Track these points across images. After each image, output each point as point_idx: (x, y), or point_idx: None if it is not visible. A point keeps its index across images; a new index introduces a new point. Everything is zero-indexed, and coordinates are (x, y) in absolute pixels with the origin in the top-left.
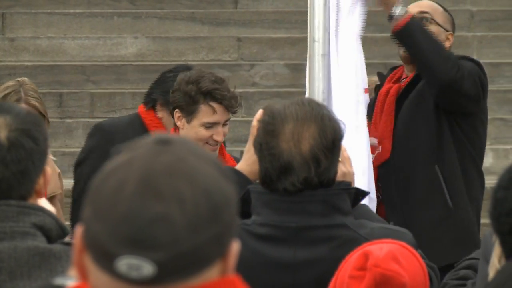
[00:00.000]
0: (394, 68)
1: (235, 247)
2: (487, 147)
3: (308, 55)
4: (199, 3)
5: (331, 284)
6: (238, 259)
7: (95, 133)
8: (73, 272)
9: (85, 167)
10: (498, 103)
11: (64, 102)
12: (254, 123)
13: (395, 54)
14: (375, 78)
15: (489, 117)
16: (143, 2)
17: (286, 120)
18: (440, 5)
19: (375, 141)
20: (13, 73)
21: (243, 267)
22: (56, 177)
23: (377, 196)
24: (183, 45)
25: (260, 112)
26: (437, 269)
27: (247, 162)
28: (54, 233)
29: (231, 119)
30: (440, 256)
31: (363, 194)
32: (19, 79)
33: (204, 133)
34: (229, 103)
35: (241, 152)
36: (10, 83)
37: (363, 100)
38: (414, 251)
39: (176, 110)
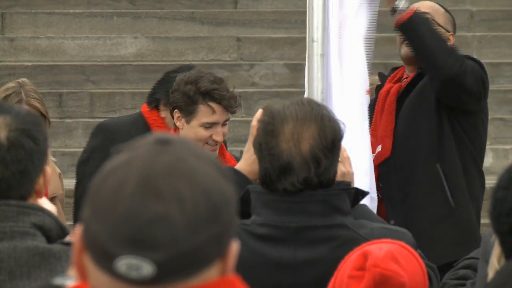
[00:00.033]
0: (395, 68)
1: (234, 247)
2: (487, 147)
3: (307, 55)
4: (198, 3)
5: (330, 284)
6: (237, 259)
7: (98, 133)
8: (72, 272)
9: (88, 167)
10: (498, 103)
11: (63, 102)
12: (254, 123)
13: (396, 54)
14: (376, 77)
15: (489, 117)
16: (142, 2)
17: (286, 120)
18: (441, 6)
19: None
20: (12, 73)
21: (242, 267)
22: (56, 178)
23: (377, 195)
24: (182, 45)
25: (259, 112)
26: (437, 269)
27: (247, 162)
28: (53, 233)
29: (231, 119)
30: (441, 254)
31: (363, 194)
32: (19, 80)
33: (204, 133)
34: (228, 103)
35: (241, 152)
36: (10, 84)
37: (365, 101)
38: (413, 251)
39: (176, 110)
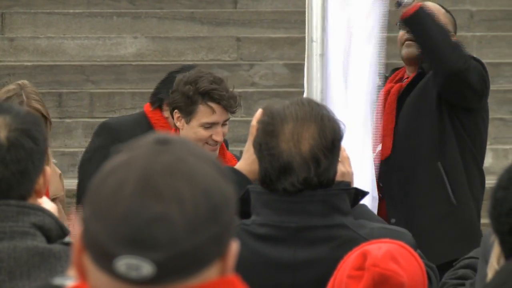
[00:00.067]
0: (396, 69)
1: (234, 247)
2: (486, 147)
3: (306, 55)
4: (198, 3)
5: (330, 283)
6: (237, 259)
7: (102, 132)
8: (72, 272)
9: (90, 167)
10: (497, 103)
11: (63, 102)
12: (254, 122)
13: (397, 55)
14: None
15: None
16: (142, 2)
17: (285, 120)
18: (442, 7)
19: None
20: (12, 73)
21: (242, 267)
22: (57, 179)
23: (378, 194)
24: (182, 45)
25: (259, 112)
26: (436, 269)
27: (247, 162)
28: (53, 233)
29: (230, 119)
30: (443, 252)
31: (363, 194)
32: (19, 82)
33: (203, 133)
34: (228, 103)
35: (241, 152)
36: (10, 86)
37: (371, 101)
38: (412, 250)
39: (175, 110)
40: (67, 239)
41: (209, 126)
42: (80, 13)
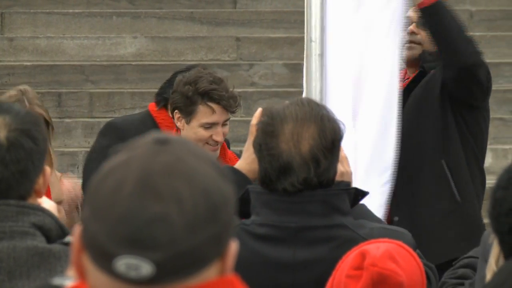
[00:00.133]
0: None
1: (233, 247)
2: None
3: (305, 55)
4: (198, 3)
5: (329, 283)
6: (237, 259)
7: (107, 132)
8: (71, 272)
9: (96, 166)
10: (497, 103)
11: (63, 102)
12: (253, 122)
13: None
14: None
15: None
16: (142, 2)
17: (285, 120)
18: None
19: None
20: (12, 73)
21: (242, 267)
22: (58, 184)
23: None
24: (182, 45)
25: (259, 111)
26: (435, 269)
27: (246, 161)
28: (53, 233)
29: (230, 119)
30: (447, 250)
31: (362, 194)
32: (20, 88)
33: (203, 133)
34: (228, 103)
35: (241, 152)
36: (12, 92)
37: (398, 95)
38: (411, 250)
39: (176, 111)
40: (67, 239)
41: (209, 126)
42: (80, 13)
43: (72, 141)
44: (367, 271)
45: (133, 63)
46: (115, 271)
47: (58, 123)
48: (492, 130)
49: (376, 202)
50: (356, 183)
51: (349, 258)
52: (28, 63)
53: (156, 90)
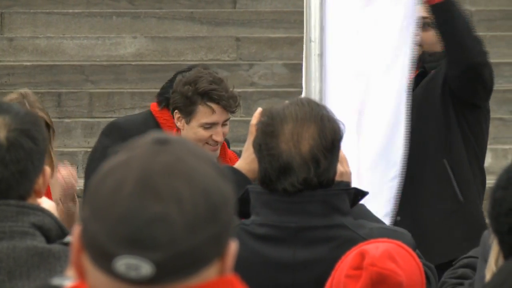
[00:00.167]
0: None
1: (233, 246)
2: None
3: (304, 55)
4: (198, 3)
5: (328, 283)
6: (237, 259)
7: (110, 132)
8: (71, 272)
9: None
10: (497, 103)
11: (62, 102)
12: (253, 122)
13: None
14: None
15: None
16: (142, 2)
17: (285, 120)
18: None
19: None
20: (11, 73)
21: (242, 267)
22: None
23: None
24: (182, 45)
25: (258, 111)
26: (435, 269)
27: (246, 161)
28: (53, 233)
29: (230, 119)
30: (450, 250)
31: (362, 194)
32: (21, 91)
33: (203, 133)
34: (227, 103)
35: (241, 152)
36: (13, 96)
37: (408, 90)
38: (410, 250)
39: (176, 111)
40: (66, 239)
41: (209, 126)
42: (80, 13)
43: (71, 141)
44: (367, 271)
45: (133, 63)
46: (115, 271)
47: (58, 123)
48: (492, 130)
49: (384, 197)
50: (361, 179)
51: (349, 258)
52: (28, 63)
53: (156, 90)
